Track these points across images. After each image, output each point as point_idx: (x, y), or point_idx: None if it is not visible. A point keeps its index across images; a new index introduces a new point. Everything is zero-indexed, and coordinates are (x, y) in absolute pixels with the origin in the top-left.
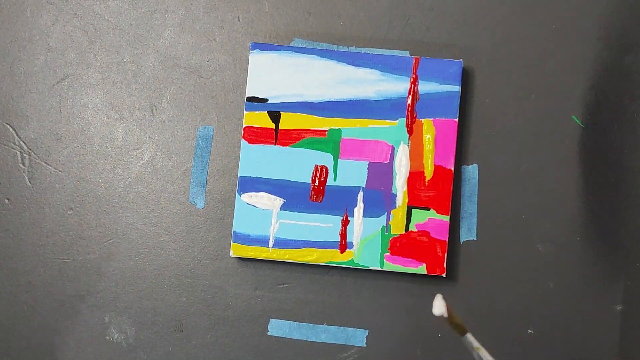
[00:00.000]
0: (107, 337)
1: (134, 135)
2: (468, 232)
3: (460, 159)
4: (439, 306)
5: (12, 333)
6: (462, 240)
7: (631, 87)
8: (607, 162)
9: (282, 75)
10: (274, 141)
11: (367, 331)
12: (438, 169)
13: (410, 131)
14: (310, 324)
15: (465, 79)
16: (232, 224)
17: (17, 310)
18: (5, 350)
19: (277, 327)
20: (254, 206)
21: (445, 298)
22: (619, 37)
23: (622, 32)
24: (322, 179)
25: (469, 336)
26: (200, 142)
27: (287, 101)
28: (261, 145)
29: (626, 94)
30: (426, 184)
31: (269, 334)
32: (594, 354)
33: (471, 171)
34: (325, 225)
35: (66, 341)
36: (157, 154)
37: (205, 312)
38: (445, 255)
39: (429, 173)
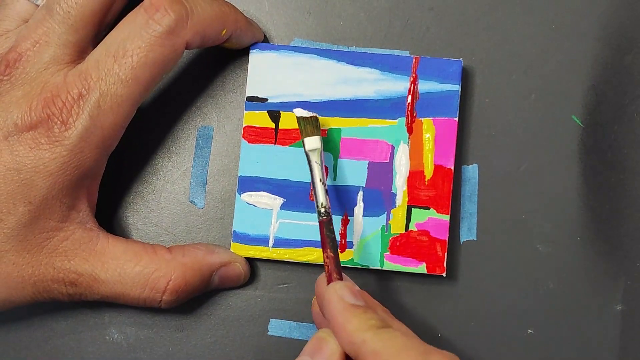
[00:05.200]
0: (107, 337)
1: (134, 135)
2: (468, 232)
3: (460, 159)
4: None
5: (12, 333)
6: (462, 240)
7: (631, 87)
8: (607, 162)
9: (282, 75)
10: (273, 141)
11: None
12: (438, 168)
13: (410, 130)
14: (311, 324)
15: (465, 78)
16: (232, 224)
17: (17, 310)
18: (5, 350)
19: (277, 327)
20: (254, 206)
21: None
22: (619, 37)
23: (622, 32)
24: None
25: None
26: (200, 141)
27: (287, 100)
28: (261, 145)
29: (626, 94)
30: (426, 183)
31: (269, 334)
32: (594, 354)
33: (471, 171)
34: None
35: (66, 341)
36: (157, 154)
37: (205, 312)
38: (446, 254)
39: (428, 172)
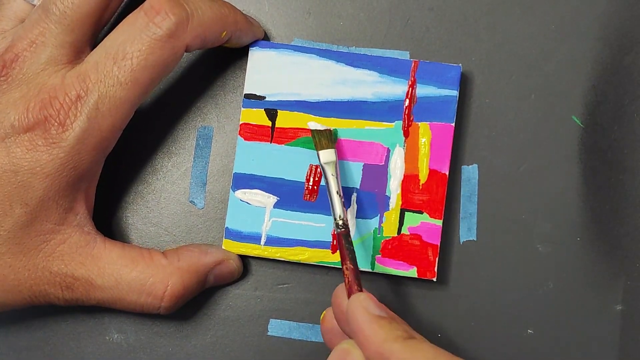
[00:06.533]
0: (107, 337)
1: (134, 135)
2: (468, 232)
3: (460, 160)
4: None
5: (12, 333)
6: (462, 241)
7: (631, 87)
8: (607, 162)
9: (281, 74)
10: (269, 139)
11: None
12: (433, 172)
13: (406, 134)
14: (310, 324)
15: (465, 78)
16: None
17: (17, 311)
18: (5, 350)
19: (277, 327)
20: (248, 203)
21: None
22: (619, 37)
23: (622, 32)
24: (317, 179)
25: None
26: (200, 142)
27: (285, 99)
28: (257, 143)
29: (626, 94)
30: (420, 187)
31: (269, 334)
32: (594, 354)
33: (471, 171)
34: (317, 225)
35: (66, 342)
36: (157, 154)
37: (205, 312)
38: (437, 259)
39: (423, 177)
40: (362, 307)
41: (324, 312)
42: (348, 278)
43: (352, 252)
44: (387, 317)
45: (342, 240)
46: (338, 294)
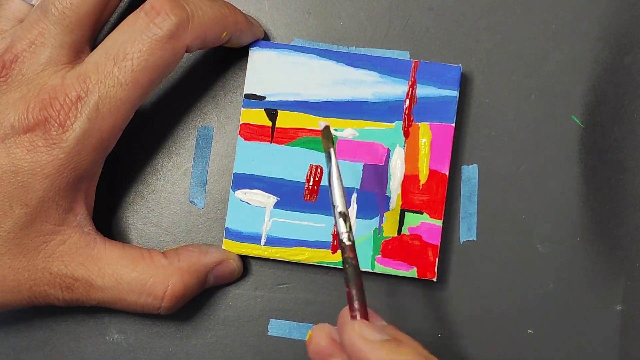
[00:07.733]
0: (107, 337)
1: (134, 135)
2: (468, 232)
3: (460, 160)
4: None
5: (12, 333)
6: (462, 241)
7: (631, 87)
8: (607, 162)
9: (281, 74)
10: (269, 139)
11: None
12: (433, 173)
13: (406, 134)
14: (310, 324)
15: (465, 78)
16: None
17: (17, 310)
18: (5, 350)
19: (277, 327)
20: (248, 203)
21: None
22: (619, 37)
23: (622, 32)
24: (317, 179)
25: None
26: (200, 142)
27: (285, 99)
28: (257, 143)
29: (626, 94)
30: (420, 187)
31: (269, 334)
32: (594, 354)
33: (471, 171)
34: (318, 225)
35: (66, 341)
36: (157, 154)
37: (205, 312)
38: (437, 259)
39: (423, 177)
40: (359, 335)
41: (309, 332)
42: (349, 301)
43: (355, 274)
44: (390, 340)
45: (345, 264)
46: (343, 315)
